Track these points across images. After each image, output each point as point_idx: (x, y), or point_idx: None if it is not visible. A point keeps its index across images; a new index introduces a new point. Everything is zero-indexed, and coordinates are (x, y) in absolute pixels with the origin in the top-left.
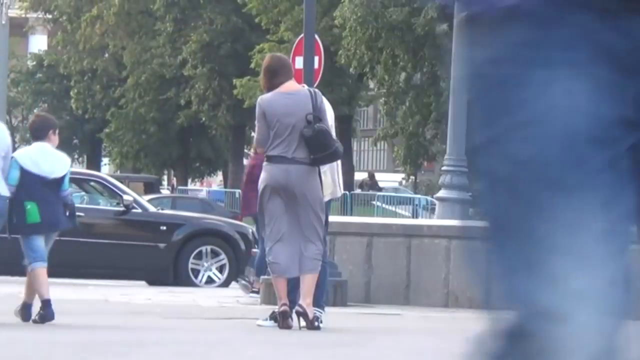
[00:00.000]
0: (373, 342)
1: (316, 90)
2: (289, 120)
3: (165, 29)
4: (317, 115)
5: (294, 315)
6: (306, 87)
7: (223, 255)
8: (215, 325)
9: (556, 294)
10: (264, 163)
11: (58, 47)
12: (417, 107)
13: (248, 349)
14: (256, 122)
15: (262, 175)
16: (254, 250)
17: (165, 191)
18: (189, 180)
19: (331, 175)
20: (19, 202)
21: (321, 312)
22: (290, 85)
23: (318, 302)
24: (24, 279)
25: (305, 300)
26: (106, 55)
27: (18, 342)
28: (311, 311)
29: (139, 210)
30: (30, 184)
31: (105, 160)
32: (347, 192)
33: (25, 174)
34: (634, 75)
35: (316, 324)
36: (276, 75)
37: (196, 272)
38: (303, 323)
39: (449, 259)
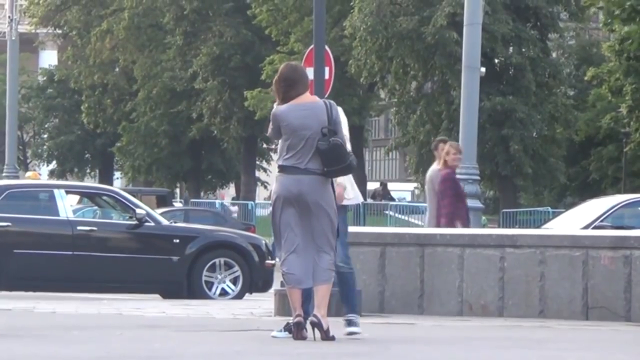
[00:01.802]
0: (388, 351)
1: (332, 102)
2: (304, 133)
3: (175, 42)
4: (333, 128)
5: (309, 326)
6: (320, 99)
7: (236, 267)
8: (230, 337)
9: None
10: (277, 174)
11: (68, 62)
12: (427, 116)
13: None
14: (270, 131)
15: (275, 186)
16: (268, 262)
17: (177, 204)
18: (202, 193)
19: (348, 180)
20: None
21: (356, 317)
22: (306, 97)
23: (353, 308)
24: (38, 294)
25: (320, 310)
26: (116, 69)
27: (33, 356)
28: (326, 322)
29: (152, 224)
30: None
31: (117, 174)
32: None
33: None
34: None
35: (331, 334)
36: (294, 86)
37: (210, 285)
38: (318, 334)
39: (462, 267)
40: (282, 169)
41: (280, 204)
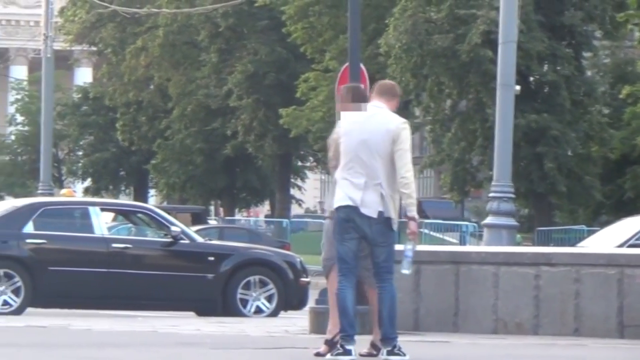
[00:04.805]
0: None
1: None
2: None
3: (210, 60)
4: None
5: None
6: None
7: (271, 285)
8: (265, 355)
9: None
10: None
11: (103, 80)
12: (462, 134)
13: None
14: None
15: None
16: (303, 279)
17: (212, 222)
18: (236, 210)
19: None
20: None
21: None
22: None
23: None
24: (73, 311)
25: None
26: (151, 86)
27: None
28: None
29: (187, 241)
30: None
31: (152, 191)
32: None
33: None
34: None
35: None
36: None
37: (245, 302)
38: (363, 350)
39: (498, 285)
40: None
41: None
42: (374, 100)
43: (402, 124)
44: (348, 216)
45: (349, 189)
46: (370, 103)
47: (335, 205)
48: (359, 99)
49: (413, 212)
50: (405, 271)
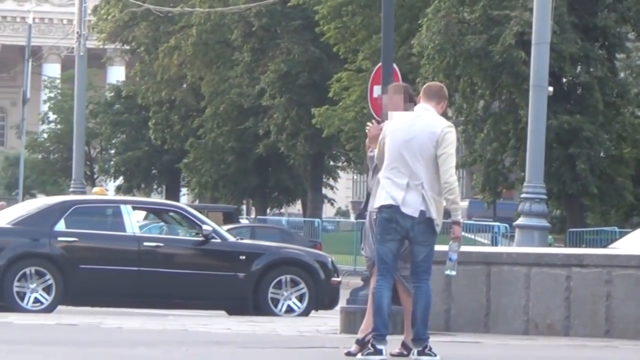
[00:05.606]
0: None
1: None
2: None
3: (243, 59)
4: None
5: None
6: None
7: (303, 285)
8: (295, 354)
9: None
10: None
11: (136, 78)
12: (495, 135)
13: None
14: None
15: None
16: (334, 279)
17: (244, 221)
18: (268, 210)
19: None
20: None
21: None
22: None
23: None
24: (104, 309)
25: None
26: (184, 85)
27: None
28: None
29: (218, 240)
30: None
31: (184, 190)
32: None
33: None
34: None
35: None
36: None
37: (276, 302)
38: (394, 350)
39: (529, 286)
40: None
41: None
42: (422, 103)
43: (448, 127)
44: (390, 216)
45: (391, 188)
46: (419, 105)
47: (377, 204)
48: (409, 99)
49: (457, 216)
50: (449, 272)
